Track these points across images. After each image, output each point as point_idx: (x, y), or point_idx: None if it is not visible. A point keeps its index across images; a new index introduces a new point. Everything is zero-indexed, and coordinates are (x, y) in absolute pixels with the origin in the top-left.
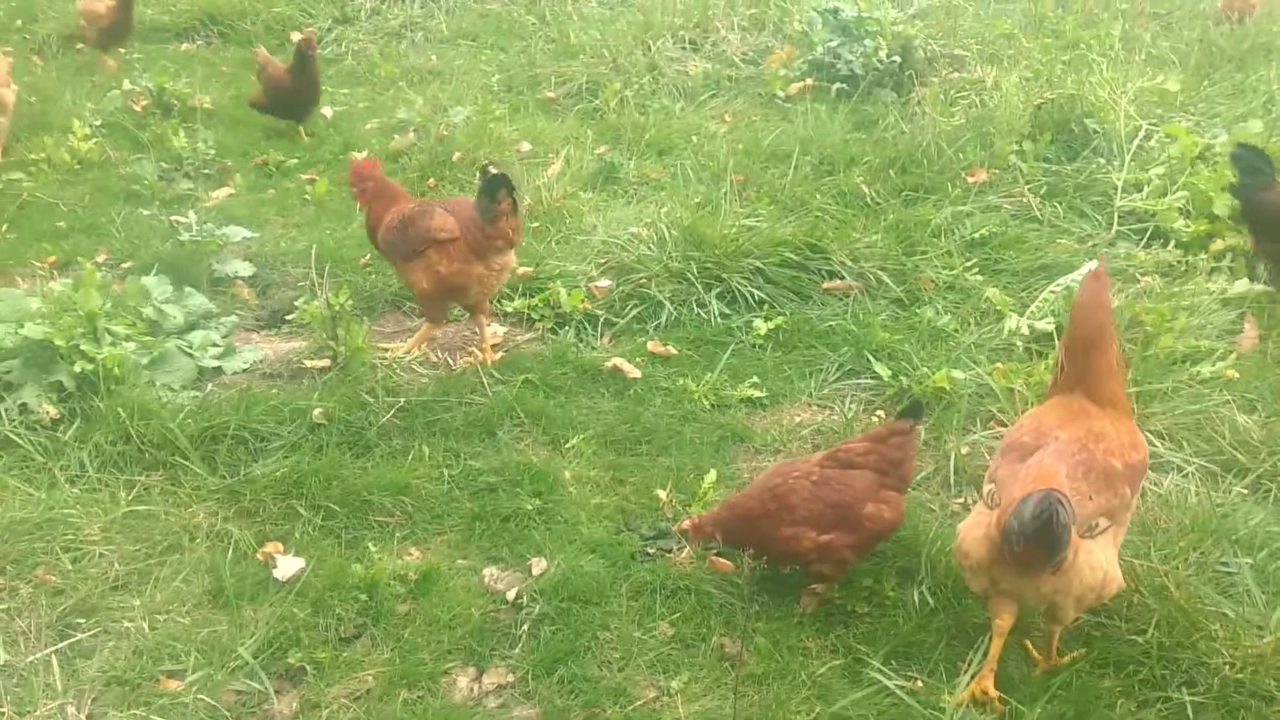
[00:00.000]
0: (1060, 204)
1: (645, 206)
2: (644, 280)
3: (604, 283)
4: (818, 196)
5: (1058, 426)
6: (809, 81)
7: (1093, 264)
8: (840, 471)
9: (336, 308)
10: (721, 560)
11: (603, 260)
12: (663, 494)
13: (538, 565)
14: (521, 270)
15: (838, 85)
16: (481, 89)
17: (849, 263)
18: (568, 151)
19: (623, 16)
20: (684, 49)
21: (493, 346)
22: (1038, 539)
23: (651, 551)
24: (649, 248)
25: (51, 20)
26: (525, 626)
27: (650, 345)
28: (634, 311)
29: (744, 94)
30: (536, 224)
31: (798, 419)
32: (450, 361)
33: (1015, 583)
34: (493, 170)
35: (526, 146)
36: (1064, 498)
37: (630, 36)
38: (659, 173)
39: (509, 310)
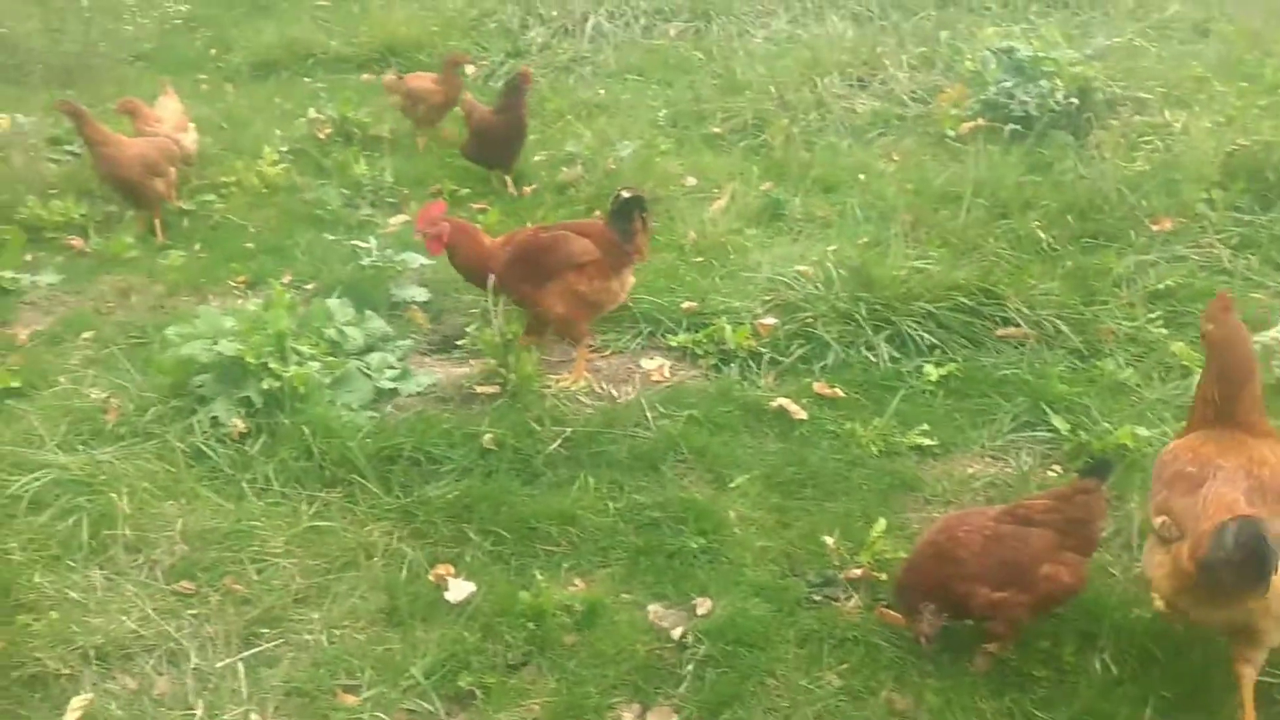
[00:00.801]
0: (1254, 256)
1: (811, 244)
2: (810, 320)
3: (769, 320)
4: (991, 240)
5: (1218, 456)
6: (980, 122)
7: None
8: (1017, 528)
9: (509, 336)
10: (891, 613)
11: (768, 298)
12: (830, 541)
13: (703, 605)
14: (686, 305)
15: (1011, 126)
16: (648, 123)
17: (1024, 310)
18: (734, 187)
19: (790, 53)
20: (851, 86)
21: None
22: (1245, 565)
23: (818, 599)
24: (816, 287)
25: (243, 50)
26: (690, 667)
27: (816, 386)
28: (799, 351)
29: (913, 133)
30: (701, 259)
31: (970, 470)
32: (614, 393)
33: (1209, 613)
34: (625, 194)
35: (692, 181)
36: (1263, 521)
37: (797, 73)
38: (825, 211)
39: (673, 344)
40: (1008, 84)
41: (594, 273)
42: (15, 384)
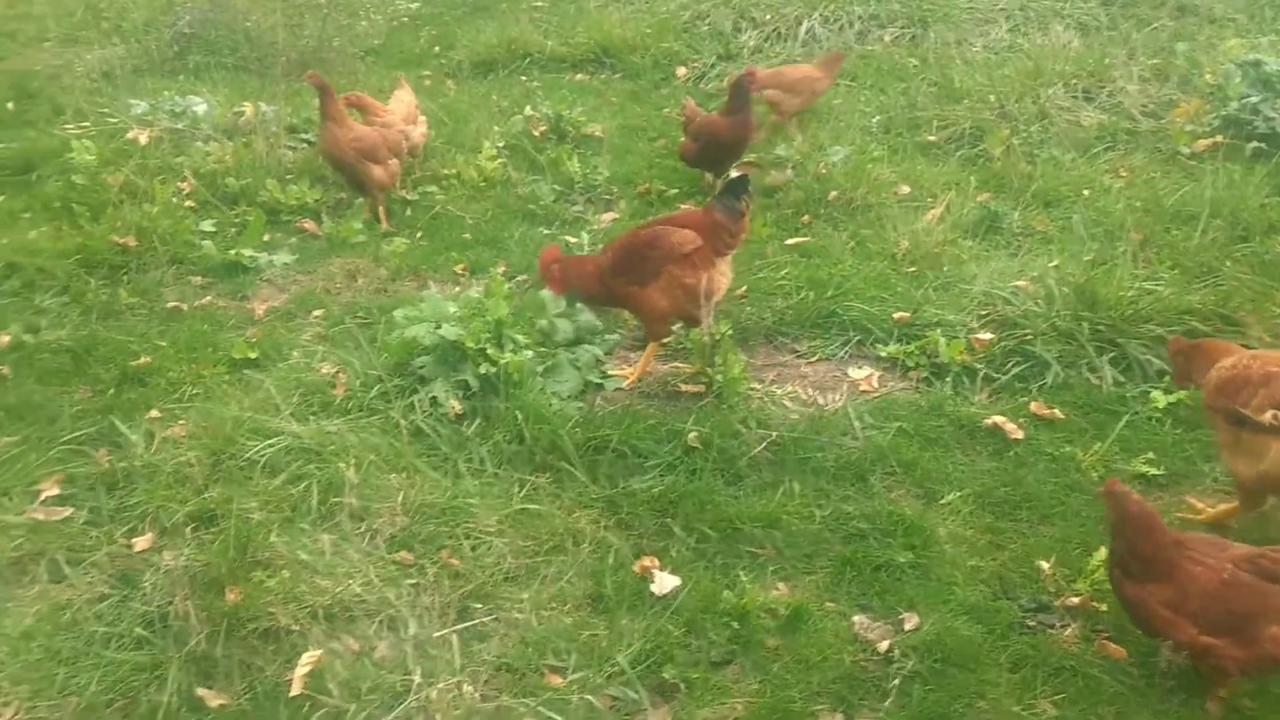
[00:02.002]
0: None
1: (1031, 259)
2: (1029, 336)
3: (985, 335)
4: (1229, 264)
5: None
6: (1220, 139)
7: None
8: (1258, 581)
9: (718, 336)
10: (1113, 645)
11: (984, 312)
12: (1045, 565)
13: (910, 620)
14: (897, 315)
15: (1254, 144)
16: (860, 129)
17: (1267, 339)
18: (950, 197)
19: (1010, 62)
20: (1076, 98)
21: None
22: None
23: (1032, 624)
24: (1035, 303)
25: (465, 48)
26: (896, 681)
27: (1034, 406)
28: (1016, 369)
29: (1143, 148)
30: (913, 268)
31: (1199, 505)
32: (820, 400)
33: None
34: (734, 173)
35: (905, 189)
36: None
37: (1018, 83)
38: (1046, 225)
39: (882, 355)
40: (1253, 99)
41: (698, 261)
42: (253, 355)
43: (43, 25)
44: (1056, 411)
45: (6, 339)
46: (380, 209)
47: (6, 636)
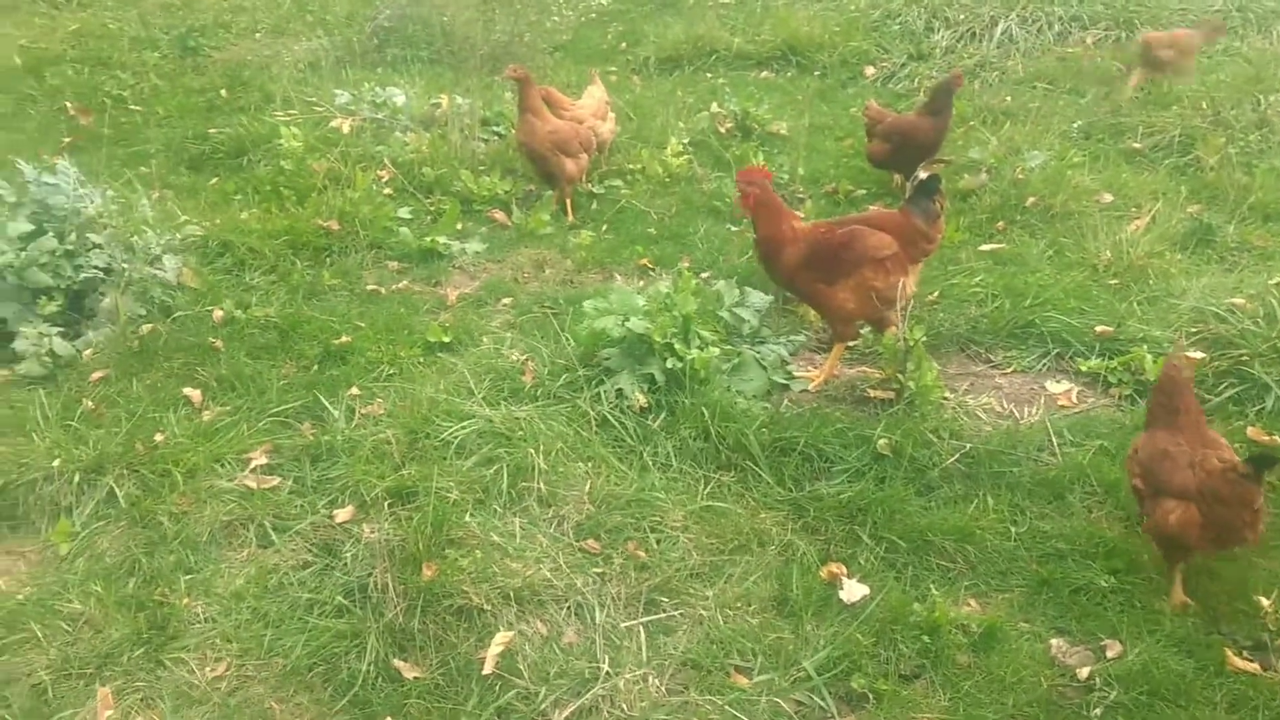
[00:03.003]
0: None
1: (1248, 275)
2: (1245, 358)
3: (1195, 354)
4: None
5: None
6: None
7: None
8: None
9: (911, 342)
10: None
11: (1194, 330)
12: (1265, 602)
13: (1112, 648)
14: (1099, 329)
15: None
16: (1059, 134)
17: None
18: (1157, 208)
19: (1226, 67)
20: None
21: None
22: None
23: (1250, 661)
24: (1254, 322)
25: (651, 45)
26: (1098, 711)
27: (1250, 431)
28: (1230, 391)
29: None
30: (1116, 281)
31: None
32: (1016, 413)
33: None
34: (922, 174)
35: (1107, 198)
36: None
37: (1236, 89)
38: (1266, 240)
39: (1083, 369)
40: None
41: (892, 266)
42: (446, 339)
43: (254, 17)
44: (1276, 438)
45: (220, 314)
46: (567, 201)
47: (219, 596)
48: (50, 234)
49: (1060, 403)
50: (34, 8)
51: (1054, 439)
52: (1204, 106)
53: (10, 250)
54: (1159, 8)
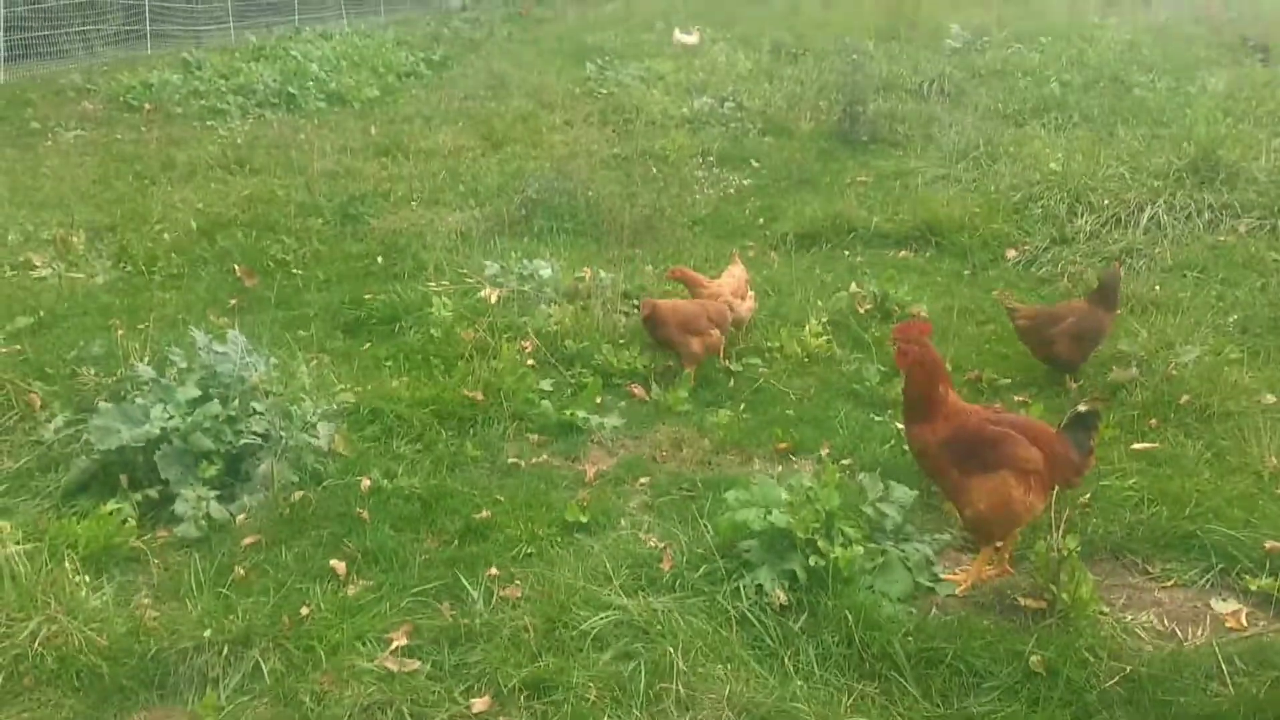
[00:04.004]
0: None
1: None
2: None
3: None
4: None
5: None
6: None
7: None
8: None
9: (1066, 552)
10: None
11: None
12: None
13: None
14: (1268, 545)
15: None
16: (1213, 327)
17: None
18: None
19: None
20: None
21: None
22: None
23: None
24: None
25: (789, 221)
26: None
27: None
28: None
29: None
30: None
31: None
32: (1180, 633)
33: None
34: (1083, 407)
35: (1270, 399)
36: None
37: None
38: None
39: (1252, 588)
40: None
41: (1033, 484)
42: (584, 519)
43: (411, 186)
44: None
45: (368, 483)
46: (689, 373)
47: None
48: (215, 400)
49: (1229, 625)
50: (210, 174)
51: (1224, 667)
52: None
53: (178, 415)
54: None
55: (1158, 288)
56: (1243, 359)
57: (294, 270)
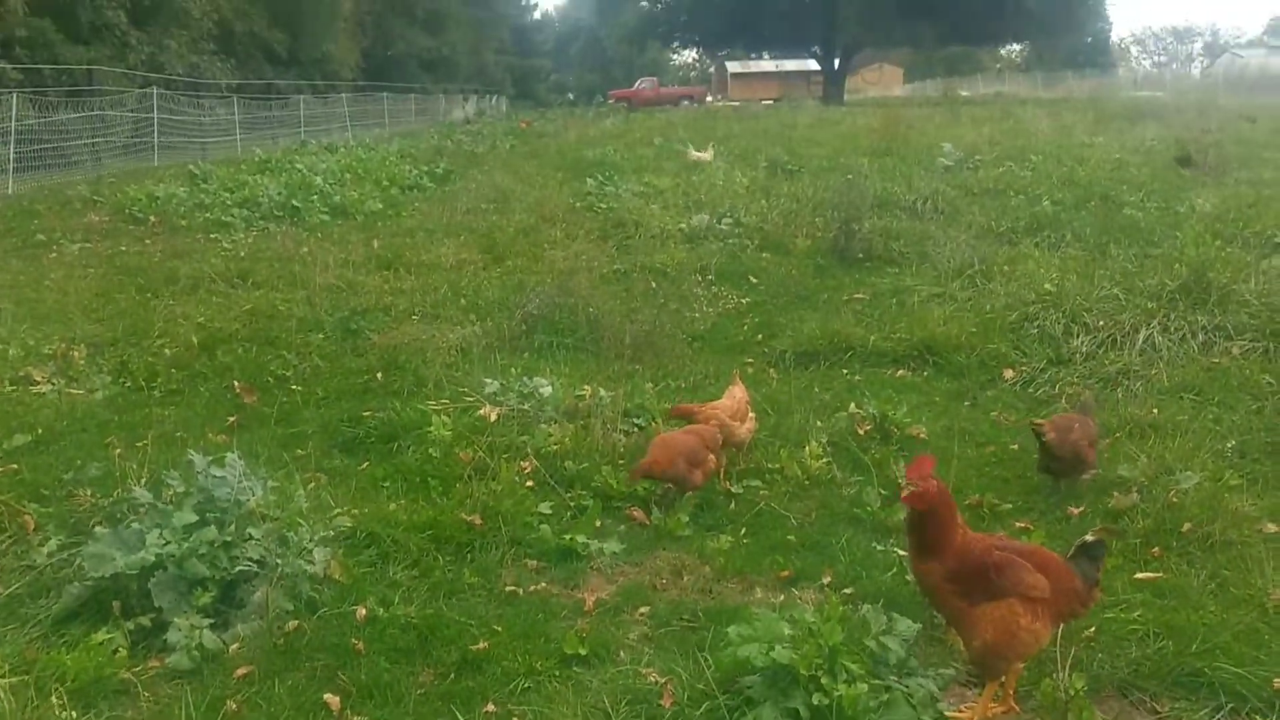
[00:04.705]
0: None
1: None
2: None
3: None
4: None
5: None
6: None
7: None
8: None
9: (1073, 692)
10: None
11: None
12: None
13: None
14: (1277, 682)
15: None
16: (1212, 452)
17: None
18: None
19: None
20: None
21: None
22: None
23: None
24: None
25: (788, 338)
26: None
27: None
28: None
29: None
30: None
31: None
32: None
33: None
34: (1091, 537)
35: (1271, 528)
36: None
37: None
38: None
39: None
40: None
41: (1040, 612)
42: (583, 651)
43: (412, 300)
44: None
45: (363, 612)
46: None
47: None
48: (212, 525)
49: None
50: (213, 287)
51: None
52: None
53: (174, 541)
54: None
55: (1155, 410)
56: (1242, 485)
57: (294, 386)
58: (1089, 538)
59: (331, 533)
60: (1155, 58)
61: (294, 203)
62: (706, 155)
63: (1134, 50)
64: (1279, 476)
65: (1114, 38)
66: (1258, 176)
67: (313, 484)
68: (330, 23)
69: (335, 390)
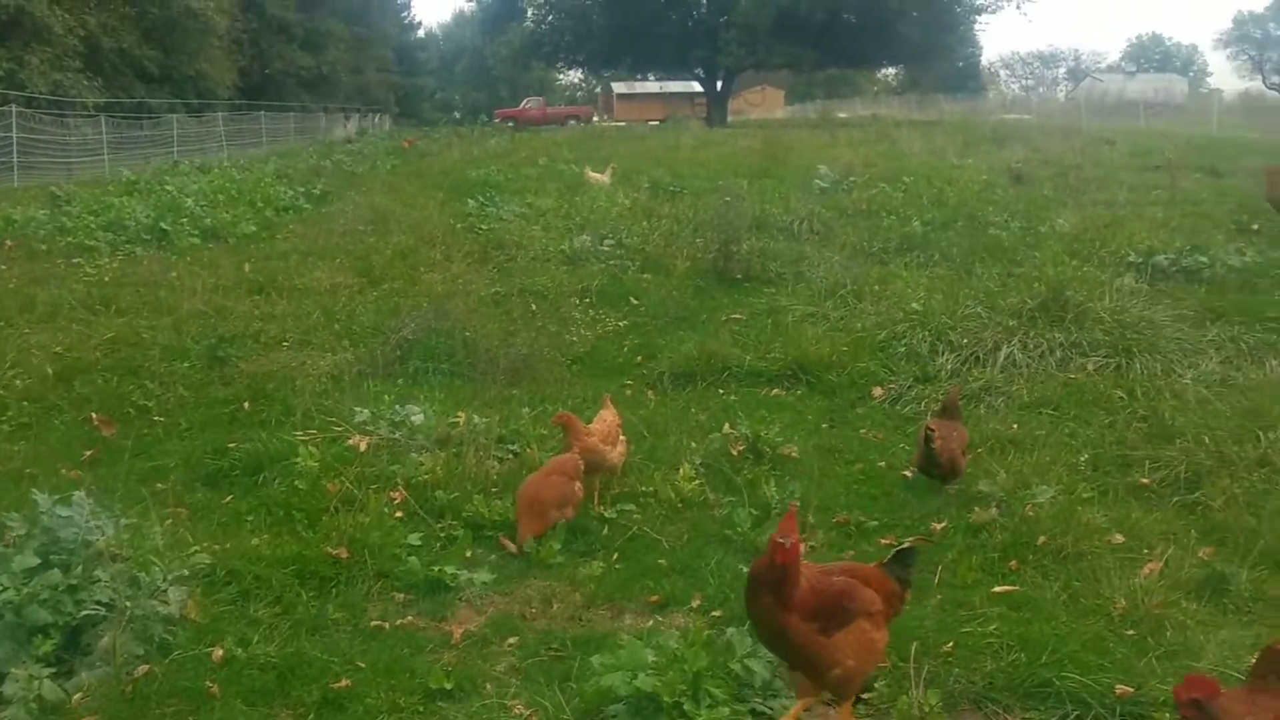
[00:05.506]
0: None
1: (1266, 630)
2: None
3: None
4: None
5: None
6: None
7: None
8: None
9: (927, 708)
10: None
11: None
12: None
13: None
14: (1119, 689)
15: None
16: (1067, 466)
17: None
18: (1169, 551)
19: (1225, 399)
20: None
21: None
22: None
23: None
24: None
25: (666, 359)
26: None
27: None
28: None
29: None
30: (1132, 632)
31: None
32: None
33: None
34: (908, 543)
35: (1119, 538)
36: None
37: (1235, 423)
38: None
39: None
40: None
41: (879, 622)
42: (448, 685)
43: (283, 326)
44: None
45: (220, 652)
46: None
47: None
48: (55, 569)
49: None
50: (73, 314)
51: None
52: (1206, 441)
53: (12, 586)
54: (1155, 335)
55: (1015, 426)
56: (1094, 497)
57: (156, 417)
58: (905, 544)
59: (187, 571)
60: (1023, 81)
61: (163, 225)
62: (605, 177)
63: (1003, 74)
64: (1128, 488)
65: (984, 62)
66: (1114, 198)
67: (171, 520)
68: (204, 40)
69: (199, 421)
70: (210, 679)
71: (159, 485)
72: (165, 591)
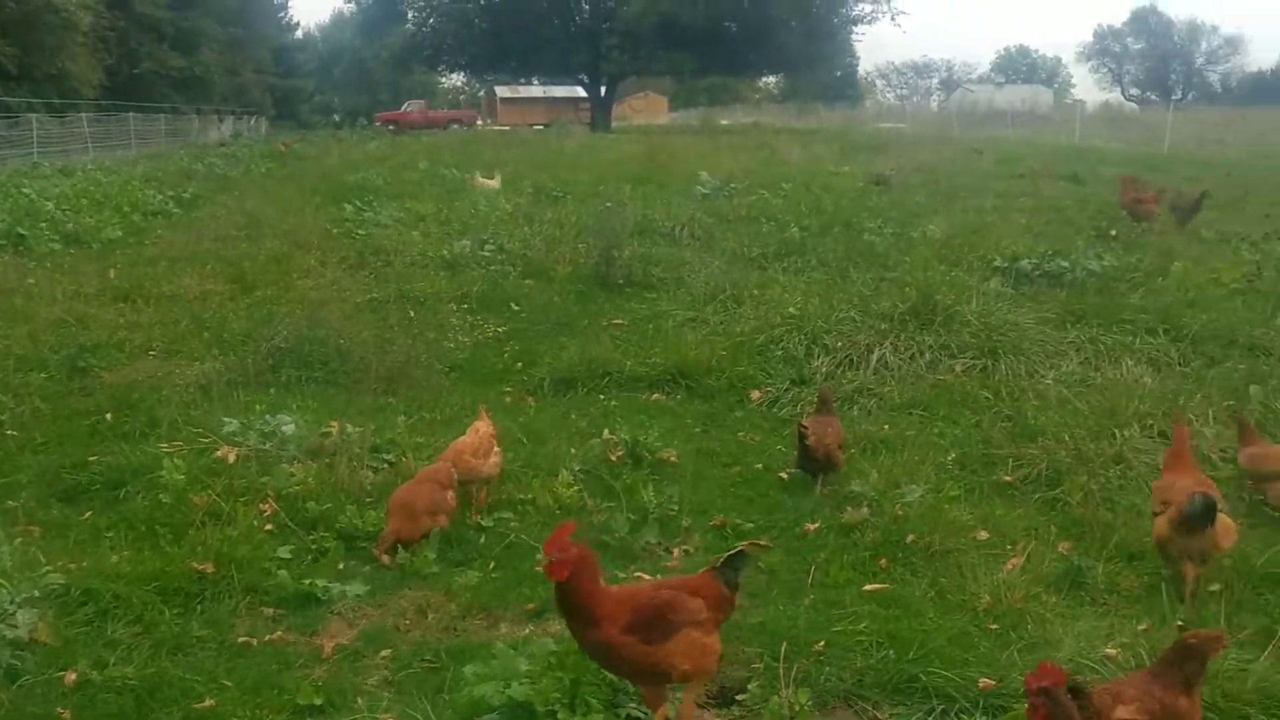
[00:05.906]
0: None
1: (1119, 621)
2: None
3: None
4: None
5: None
6: None
7: None
8: None
9: (797, 707)
10: None
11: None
12: None
13: None
14: (982, 683)
15: None
16: (936, 465)
17: None
18: (1031, 546)
19: (1083, 398)
20: (1154, 440)
21: None
22: None
23: None
24: (1126, 674)
25: (546, 365)
26: None
27: None
28: None
29: (1229, 499)
30: (996, 626)
31: None
32: None
33: None
34: (739, 547)
35: (983, 535)
36: None
37: (1093, 422)
38: (1132, 582)
39: None
40: None
41: (708, 628)
42: (318, 701)
43: (150, 334)
44: None
45: (73, 676)
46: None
47: None
48: None
49: None
50: None
51: None
52: (1066, 440)
53: None
54: (1019, 337)
55: (887, 427)
56: (961, 495)
57: (9, 431)
58: (738, 547)
59: (38, 592)
60: (898, 91)
61: (20, 230)
62: (494, 183)
63: (879, 84)
64: (993, 486)
65: (861, 72)
66: (982, 204)
67: (21, 539)
68: (66, 37)
69: (57, 434)
70: (62, 705)
71: (10, 503)
72: (14, 614)
